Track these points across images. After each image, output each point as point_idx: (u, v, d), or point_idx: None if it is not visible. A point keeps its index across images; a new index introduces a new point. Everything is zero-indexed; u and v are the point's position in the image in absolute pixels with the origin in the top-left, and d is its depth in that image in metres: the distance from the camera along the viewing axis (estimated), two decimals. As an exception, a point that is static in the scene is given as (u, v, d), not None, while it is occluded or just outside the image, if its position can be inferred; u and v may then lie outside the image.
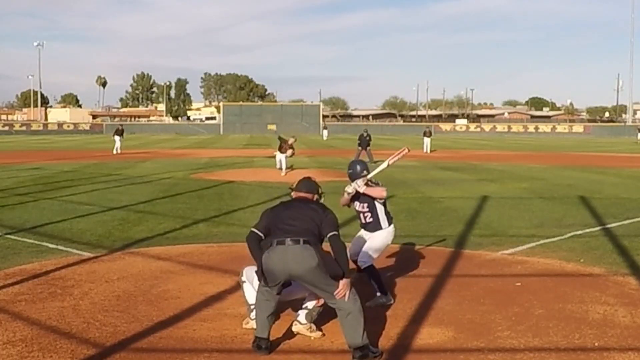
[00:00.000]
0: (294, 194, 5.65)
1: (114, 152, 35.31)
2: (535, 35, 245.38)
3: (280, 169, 22.04)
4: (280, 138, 23.30)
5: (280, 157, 22.29)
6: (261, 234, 5.32)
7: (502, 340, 5.47)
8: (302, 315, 5.56)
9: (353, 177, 6.89)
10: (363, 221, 6.88)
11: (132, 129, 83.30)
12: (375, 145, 30.89)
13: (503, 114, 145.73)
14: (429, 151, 37.23)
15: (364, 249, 6.76)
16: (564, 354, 5.17)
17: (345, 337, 5.14)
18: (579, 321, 5.98)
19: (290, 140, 22.72)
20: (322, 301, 5.46)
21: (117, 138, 36.27)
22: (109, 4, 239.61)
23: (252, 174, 21.79)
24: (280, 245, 5.11)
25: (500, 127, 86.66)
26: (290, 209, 5.38)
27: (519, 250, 9.24)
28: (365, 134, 28.81)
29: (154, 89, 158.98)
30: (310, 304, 5.59)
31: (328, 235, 5.21)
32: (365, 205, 6.78)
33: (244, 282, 5.91)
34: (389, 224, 6.82)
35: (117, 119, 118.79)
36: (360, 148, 28.64)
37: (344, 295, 5.08)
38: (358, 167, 6.96)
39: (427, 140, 38.31)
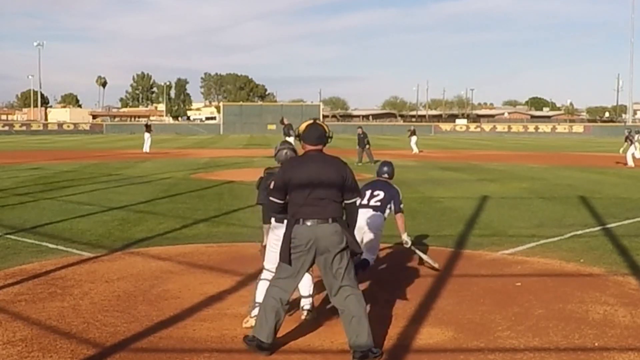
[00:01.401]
0: (303, 146, 5.17)
1: (145, 150, 35.17)
2: (535, 35, 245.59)
3: None
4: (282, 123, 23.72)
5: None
6: (282, 202, 5.09)
7: (502, 340, 5.47)
8: (307, 304, 5.92)
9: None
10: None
11: (132, 129, 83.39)
12: (376, 145, 30.78)
13: (503, 114, 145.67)
14: (417, 151, 35.76)
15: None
16: (564, 354, 5.17)
17: (348, 338, 5.05)
18: (579, 321, 5.98)
19: (286, 121, 23.02)
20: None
21: (146, 135, 35.96)
22: (109, 4, 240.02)
23: (252, 174, 21.71)
24: (307, 223, 4.95)
25: (500, 127, 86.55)
26: (309, 173, 4.97)
27: (519, 250, 9.24)
28: (360, 133, 27.13)
29: (154, 89, 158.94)
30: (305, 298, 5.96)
31: (347, 202, 5.05)
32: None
33: (262, 279, 5.85)
34: None
35: (117, 118, 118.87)
36: (359, 148, 27.06)
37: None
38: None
39: (413, 139, 36.53)
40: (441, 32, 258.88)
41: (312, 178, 4.98)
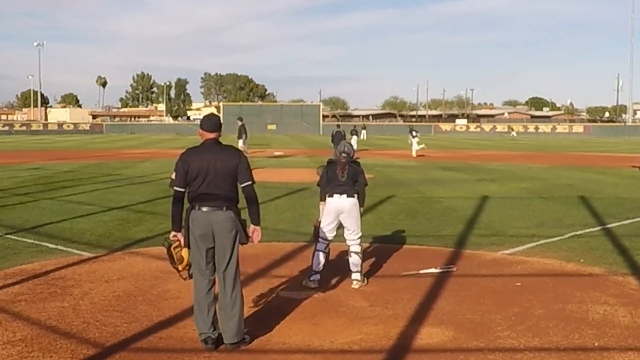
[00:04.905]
0: (199, 134, 5.33)
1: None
2: (535, 35, 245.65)
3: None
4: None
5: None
6: (184, 190, 5.26)
7: (502, 340, 5.47)
8: (356, 275, 7.09)
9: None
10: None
11: (132, 129, 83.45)
12: (375, 145, 30.82)
13: (503, 114, 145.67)
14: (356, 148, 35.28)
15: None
16: (564, 354, 5.18)
17: (221, 329, 5.23)
18: (579, 321, 5.98)
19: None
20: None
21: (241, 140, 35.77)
22: (109, 4, 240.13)
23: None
24: (203, 209, 5.17)
25: (500, 127, 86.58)
26: (204, 162, 5.18)
27: (519, 250, 9.24)
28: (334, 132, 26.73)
29: (154, 89, 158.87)
30: (353, 263, 7.07)
31: (243, 185, 5.29)
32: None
33: (317, 250, 7.13)
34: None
35: (117, 118, 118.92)
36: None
37: (256, 237, 5.36)
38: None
39: (354, 138, 35.69)
40: (441, 32, 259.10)
41: (207, 166, 5.19)
